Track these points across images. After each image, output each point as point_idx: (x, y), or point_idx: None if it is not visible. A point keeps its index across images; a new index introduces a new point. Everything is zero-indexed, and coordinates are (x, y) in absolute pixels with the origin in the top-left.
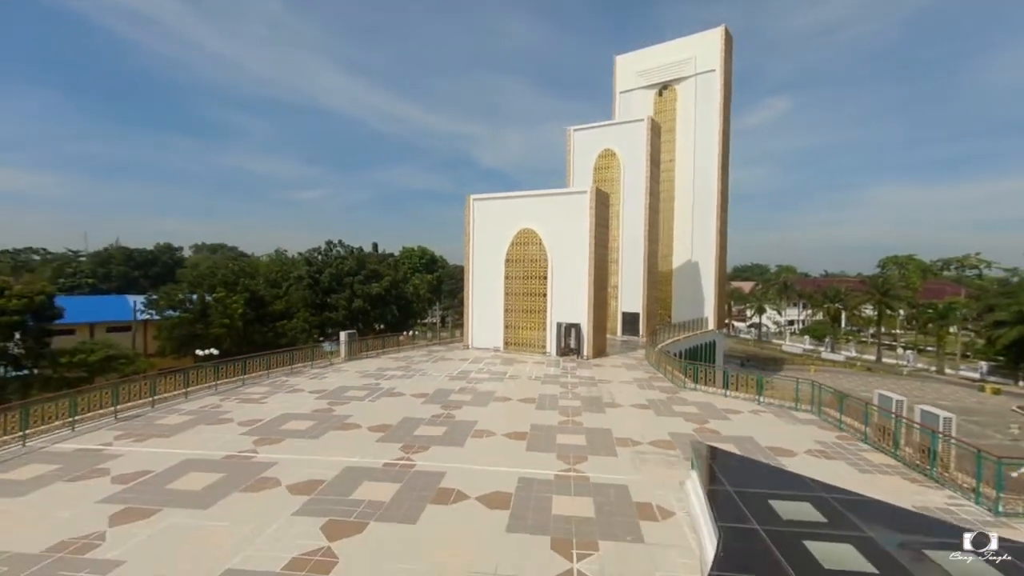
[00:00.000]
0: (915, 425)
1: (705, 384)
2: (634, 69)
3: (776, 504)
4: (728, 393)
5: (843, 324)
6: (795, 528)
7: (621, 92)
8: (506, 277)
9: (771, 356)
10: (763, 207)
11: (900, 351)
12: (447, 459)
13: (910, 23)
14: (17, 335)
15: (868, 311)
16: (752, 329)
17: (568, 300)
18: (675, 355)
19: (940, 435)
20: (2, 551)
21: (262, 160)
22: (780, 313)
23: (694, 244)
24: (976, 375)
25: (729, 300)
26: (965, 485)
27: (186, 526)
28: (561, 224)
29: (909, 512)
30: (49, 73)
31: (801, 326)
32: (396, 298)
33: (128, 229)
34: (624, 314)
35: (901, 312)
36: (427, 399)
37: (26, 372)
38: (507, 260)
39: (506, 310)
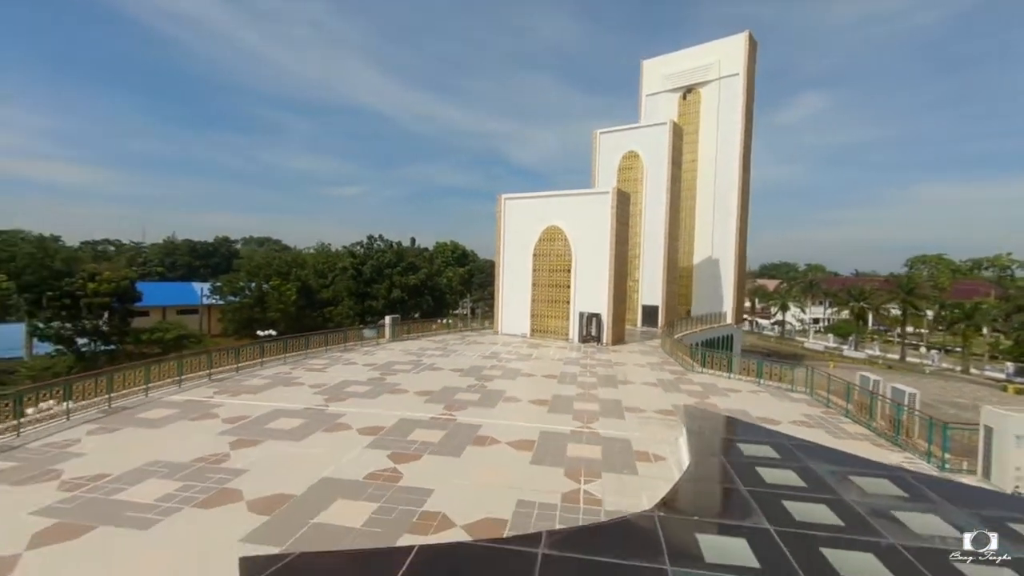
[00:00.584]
0: (887, 400)
1: (712, 368)
2: (660, 73)
3: (742, 446)
4: (732, 376)
5: (870, 323)
6: (752, 460)
7: (647, 95)
8: (533, 270)
9: (792, 352)
10: (797, 204)
11: (923, 350)
12: (482, 417)
13: (949, 18)
14: (105, 315)
15: (895, 310)
16: (776, 326)
17: (590, 292)
18: (691, 345)
19: (904, 407)
20: (162, 460)
21: (303, 158)
22: (804, 311)
23: (715, 241)
24: (1002, 375)
25: (753, 297)
26: (922, 449)
27: (286, 451)
28: (585, 222)
29: (847, 454)
30: (115, 77)
31: (826, 324)
32: (431, 289)
33: (180, 223)
34: (644, 307)
35: (928, 312)
36: (463, 373)
37: (113, 347)
38: (534, 254)
39: (533, 300)
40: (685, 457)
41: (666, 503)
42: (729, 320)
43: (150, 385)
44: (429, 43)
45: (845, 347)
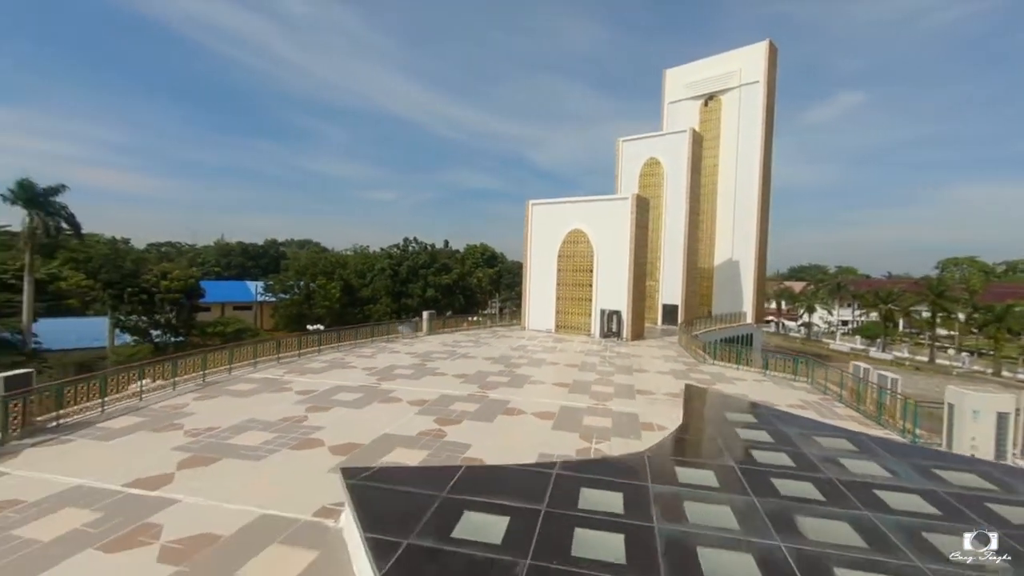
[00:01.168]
0: (873, 385)
1: (722, 360)
2: (682, 82)
3: (728, 414)
4: (740, 367)
5: (900, 326)
6: (734, 423)
7: (669, 103)
8: (558, 270)
9: (817, 353)
10: (830, 205)
11: (953, 353)
12: (510, 394)
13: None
14: (173, 310)
15: (925, 313)
16: (802, 328)
17: (611, 290)
18: (712, 343)
19: (887, 391)
20: (256, 419)
21: (339, 164)
22: (831, 313)
23: (735, 243)
24: None
25: (779, 299)
26: (900, 427)
27: (351, 415)
28: (606, 226)
29: (818, 421)
30: (163, 89)
31: (854, 326)
32: (462, 289)
33: (225, 225)
34: (664, 306)
35: (960, 315)
36: (493, 361)
37: (182, 339)
38: (559, 256)
39: (558, 298)
40: (680, 416)
41: (655, 449)
42: (749, 320)
43: (232, 365)
44: (456, 50)
45: (872, 349)
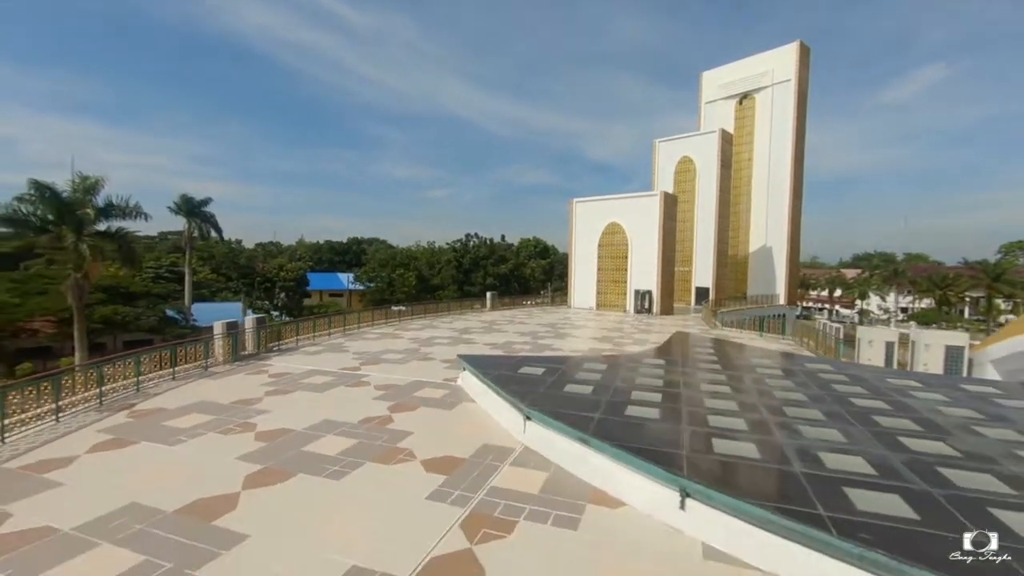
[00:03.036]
0: (828, 335)
1: (729, 327)
2: (717, 83)
3: (697, 341)
4: (742, 331)
5: (966, 312)
6: (695, 343)
7: (706, 103)
8: (598, 257)
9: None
10: (909, 189)
11: None
12: (554, 342)
13: None
14: (288, 295)
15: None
16: (858, 315)
17: (643, 274)
18: (741, 320)
19: (833, 336)
20: (391, 349)
21: (399, 165)
22: (884, 299)
23: (768, 231)
24: None
25: (831, 286)
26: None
27: (444, 350)
28: (639, 219)
29: (769, 348)
30: (245, 102)
31: (911, 312)
32: (517, 278)
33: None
34: (697, 288)
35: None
36: (543, 325)
37: (291, 320)
38: (599, 244)
39: (598, 280)
40: (655, 339)
41: (647, 350)
42: (781, 301)
43: (360, 325)
44: (509, 48)
45: None
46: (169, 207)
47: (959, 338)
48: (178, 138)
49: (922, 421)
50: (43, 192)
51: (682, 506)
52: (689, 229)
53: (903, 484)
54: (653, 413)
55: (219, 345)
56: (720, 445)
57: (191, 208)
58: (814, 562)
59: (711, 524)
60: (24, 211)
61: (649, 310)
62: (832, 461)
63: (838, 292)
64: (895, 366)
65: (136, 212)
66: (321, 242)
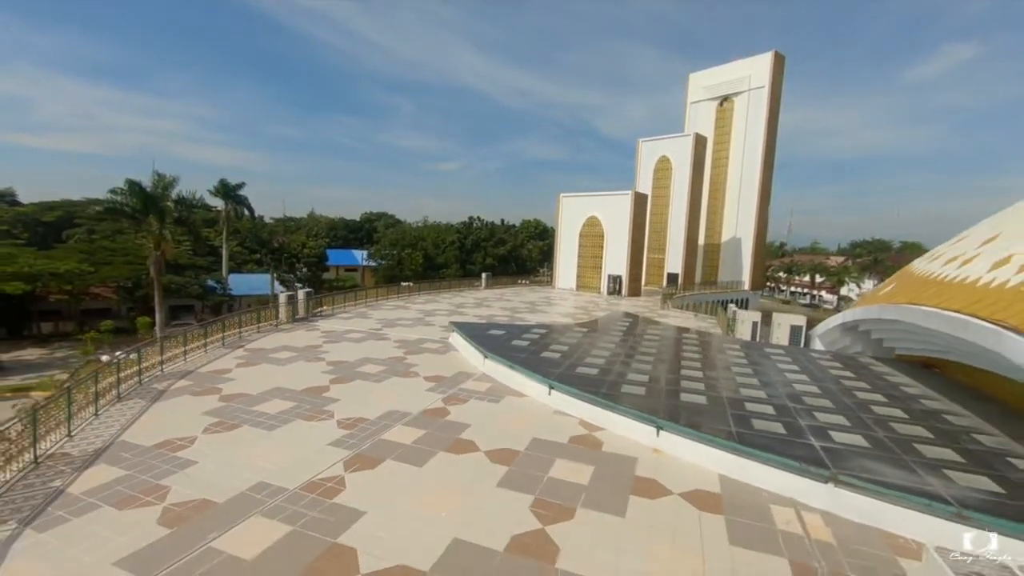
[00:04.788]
0: (729, 314)
1: (677, 309)
2: (701, 85)
3: (623, 316)
4: (682, 311)
5: None
6: (617, 323)
7: (691, 103)
8: (580, 245)
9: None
10: (930, 172)
11: None
12: (526, 318)
13: None
14: (309, 269)
15: None
16: (839, 300)
17: (615, 261)
18: (707, 304)
19: (728, 315)
20: (403, 317)
21: (408, 136)
22: (859, 286)
23: (739, 223)
24: None
25: (813, 273)
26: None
27: (444, 319)
28: (613, 214)
29: (678, 325)
30: (253, 68)
31: None
32: (515, 258)
33: (310, 196)
34: (668, 274)
35: None
36: (526, 303)
37: (327, 293)
38: (580, 235)
39: (578, 266)
40: (601, 316)
41: (593, 319)
42: (746, 287)
43: (378, 299)
44: (523, 16)
45: None
46: (208, 190)
47: (799, 320)
48: (187, 102)
49: (725, 365)
50: (134, 187)
51: (549, 393)
52: (664, 221)
53: (648, 382)
54: (557, 355)
55: (283, 310)
56: (579, 369)
57: (228, 191)
58: (620, 420)
59: (561, 400)
60: (120, 202)
61: (619, 292)
62: (630, 372)
63: (820, 279)
64: (759, 339)
65: (200, 204)
66: (335, 218)
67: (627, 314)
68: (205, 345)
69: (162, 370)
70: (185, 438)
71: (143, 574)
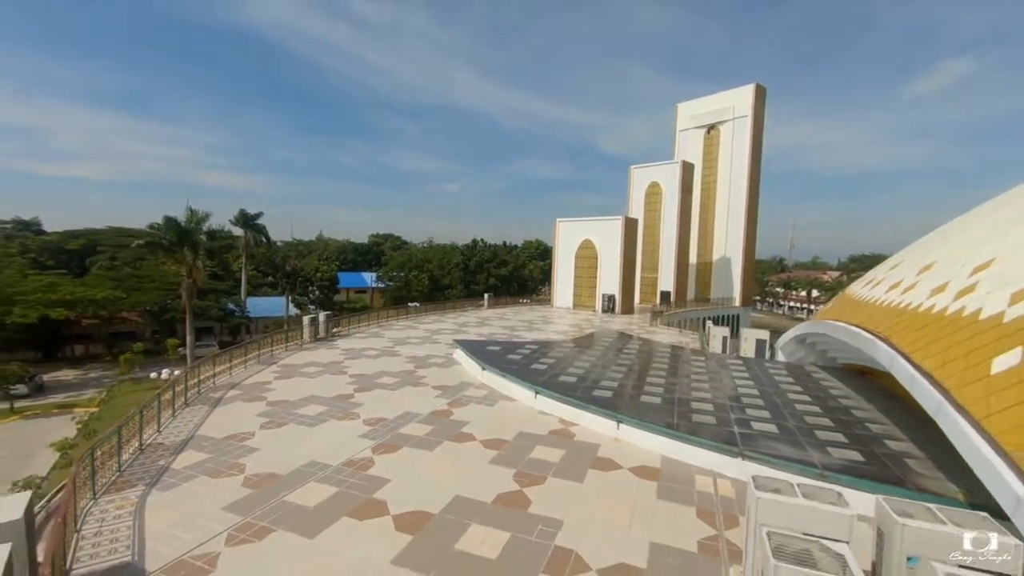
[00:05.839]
0: (706, 330)
1: (665, 326)
2: (689, 114)
3: (611, 333)
4: (670, 328)
5: None
6: (604, 339)
7: (680, 131)
8: (576, 267)
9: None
10: (929, 186)
11: None
12: (523, 336)
13: None
14: (321, 292)
15: None
16: None
17: (609, 281)
18: (697, 320)
19: (704, 331)
20: (411, 335)
21: (413, 158)
22: None
23: (728, 243)
24: None
25: (809, 288)
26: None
27: (448, 337)
28: (605, 237)
29: (662, 341)
30: (261, 94)
31: None
32: (517, 278)
33: (317, 219)
34: (661, 292)
35: None
36: (524, 321)
37: (343, 315)
38: (576, 256)
39: (574, 285)
40: (590, 333)
41: (582, 335)
42: (736, 303)
43: (390, 319)
44: (524, 40)
45: None
46: (230, 220)
47: (763, 334)
48: (197, 128)
49: (686, 373)
50: (170, 223)
51: (535, 397)
52: (656, 242)
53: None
54: (544, 367)
55: (306, 331)
56: (561, 378)
57: (247, 221)
58: (590, 416)
59: (545, 402)
60: (159, 235)
61: (613, 310)
62: (604, 379)
63: (815, 293)
64: (727, 352)
65: (228, 236)
66: (344, 241)
67: (616, 331)
68: (245, 362)
69: (214, 383)
70: (247, 433)
71: (242, 514)
